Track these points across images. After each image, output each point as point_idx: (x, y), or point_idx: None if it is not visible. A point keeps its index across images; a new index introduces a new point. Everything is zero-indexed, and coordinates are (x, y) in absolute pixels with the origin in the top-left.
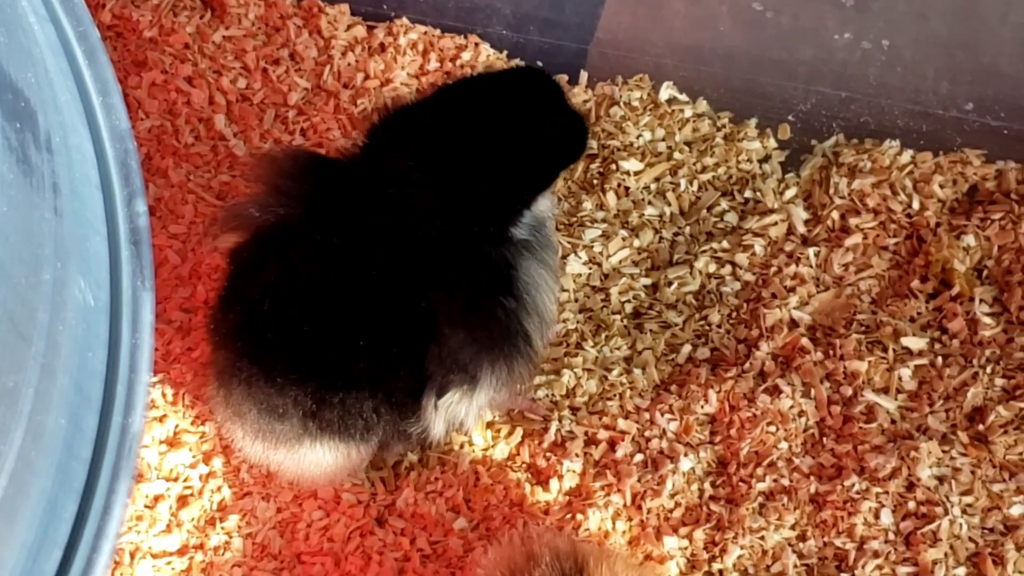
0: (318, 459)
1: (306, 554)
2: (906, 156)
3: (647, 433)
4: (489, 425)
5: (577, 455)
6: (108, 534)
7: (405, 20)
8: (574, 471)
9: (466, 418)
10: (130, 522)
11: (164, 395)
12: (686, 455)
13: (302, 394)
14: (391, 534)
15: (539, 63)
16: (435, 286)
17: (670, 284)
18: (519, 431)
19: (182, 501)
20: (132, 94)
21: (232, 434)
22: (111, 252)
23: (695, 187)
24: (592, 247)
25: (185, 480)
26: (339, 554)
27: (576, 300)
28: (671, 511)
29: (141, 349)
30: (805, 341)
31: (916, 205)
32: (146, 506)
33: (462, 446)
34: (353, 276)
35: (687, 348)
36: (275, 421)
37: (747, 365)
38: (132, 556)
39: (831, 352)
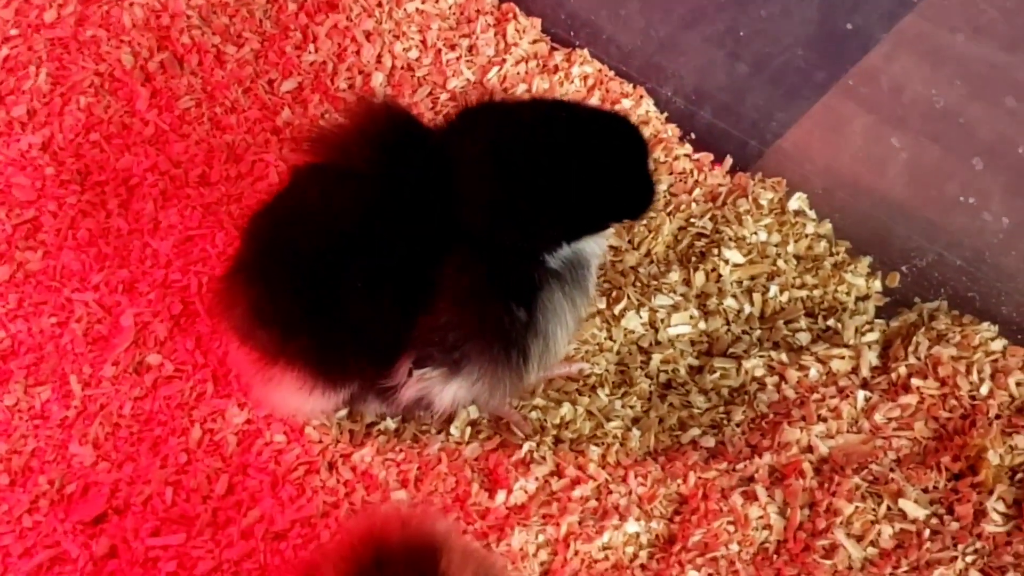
0: (287, 383)
1: (252, 467)
2: (998, 344)
3: (612, 486)
4: (473, 423)
5: (536, 479)
6: None
7: (586, 52)
8: (525, 490)
9: (438, 399)
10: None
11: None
12: (638, 519)
13: (289, 307)
14: (334, 479)
15: (692, 134)
16: (451, 261)
17: (713, 372)
18: (497, 439)
19: (168, 380)
20: (313, 28)
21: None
22: None
23: (784, 298)
24: (657, 312)
25: (181, 363)
26: (280, 478)
27: (617, 352)
28: (596, 561)
29: None
30: (807, 466)
31: (984, 391)
32: (135, 371)
33: (441, 431)
34: (381, 223)
35: (695, 431)
36: (257, 327)
37: (741, 466)
38: (102, 406)
39: (825, 485)
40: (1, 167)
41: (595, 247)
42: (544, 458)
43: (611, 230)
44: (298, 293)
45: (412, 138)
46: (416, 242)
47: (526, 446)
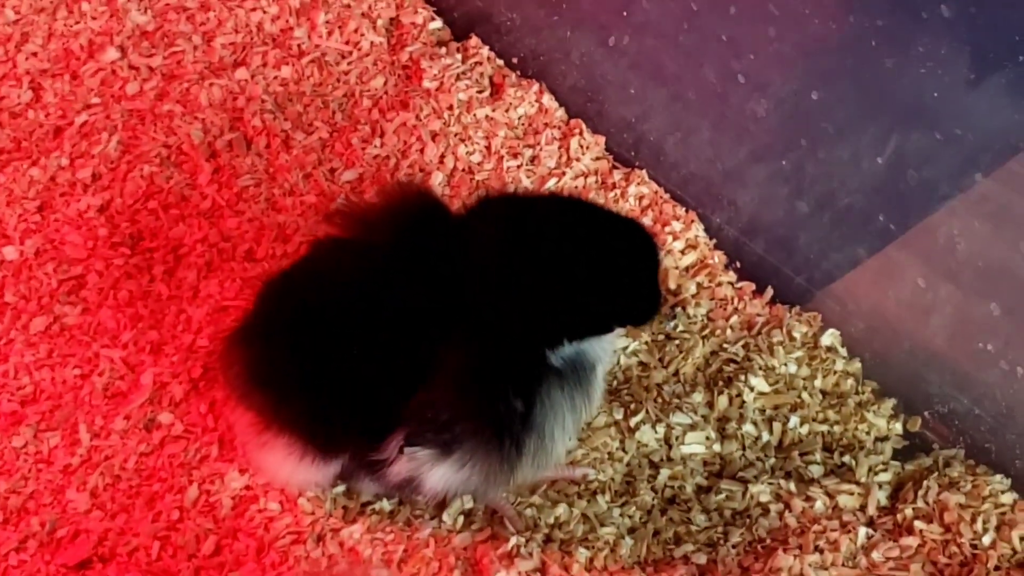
0: (279, 449)
1: (242, 531)
2: (1008, 497)
3: None
4: (467, 513)
5: (519, 573)
6: None
7: (644, 173)
8: None
9: (428, 481)
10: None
11: None
12: None
13: (284, 370)
14: (319, 551)
15: (737, 263)
16: (454, 341)
17: (719, 493)
18: (488, 531)
19: (175, 439)
20: (383, 124)
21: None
22: None
23: (804, 430)
24: (673, 429)
25: (192, 424)
26: (266, 545)
27: (627, 464)
28: None
29: None
30: None
31: (987, 541)
32: (145, 427)
33: (434, 517)
34: (388, 296)
35: (689, 547)
36: (253, 388)
37: None
38: (107, 457)
39: None
40: (58, 224)
41: (600, 351)
42: (531, 554)
43: (616, 334)
44: (295, 357)
45: (434, 220)
46: (421, 319)
47: (513, 540)
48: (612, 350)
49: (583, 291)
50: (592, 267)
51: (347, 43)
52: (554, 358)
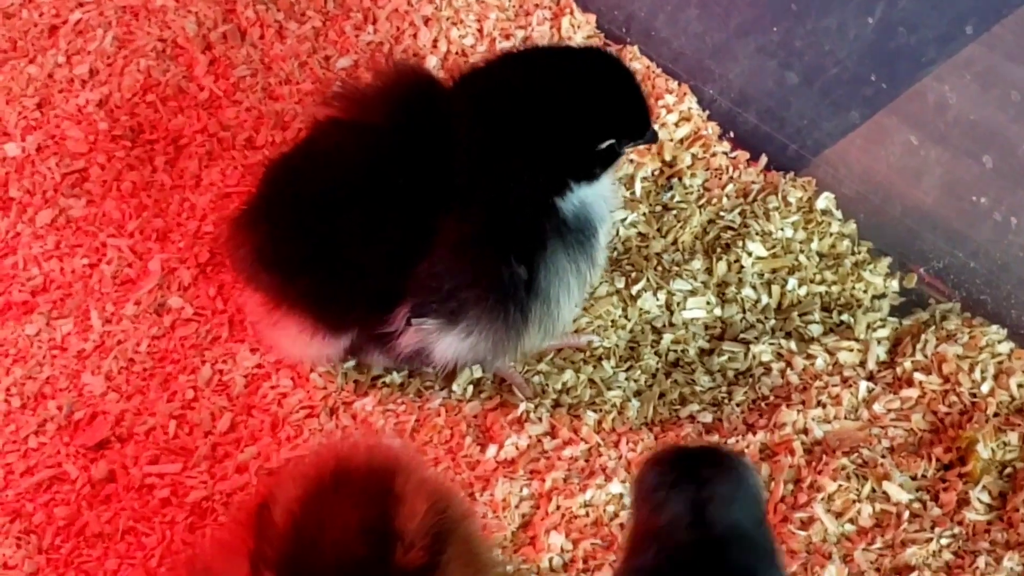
0: (290, 327)
1: (256, 407)
2: (1004, 347)
3: (603, 450)
4: (476, 383)
5: (529, 437)
6: None
7: (635, 49)
8: (516, 446)
9: (437, 351)
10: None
11: None
12: (623, 481)
13: (290, 251)
14: (332, 424)
15: (731, 133)
16: (453, 211)
17: (721, 355)
18: (497, 399)
19: (185, 322)
20: (374, 11)
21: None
22: None
23: (802, 292)
24: (674, 295)
25: (201, 307)
26: (280, 420)
27: (630, 330)
28: (576, 516)
29: None
30: (797, 445)
31: (985, 389)
32: (155, 311)
33: (444, 388)
34: (387, 173)
35: (694, 407)
36: (260, 270)
37: (733, 441)
38: (119, 342)
39: (813, 464)
40: (58, 120)
41: (603, 208)
42: (540, 419)
43: (615, 184)
44: (300, 237)
45: (430, 97)
46: (420, 193)
47: (523, 406)
48: (612, 210)
49: (575, 118)
50: (578, 93)
51: None
52: (563, 206)
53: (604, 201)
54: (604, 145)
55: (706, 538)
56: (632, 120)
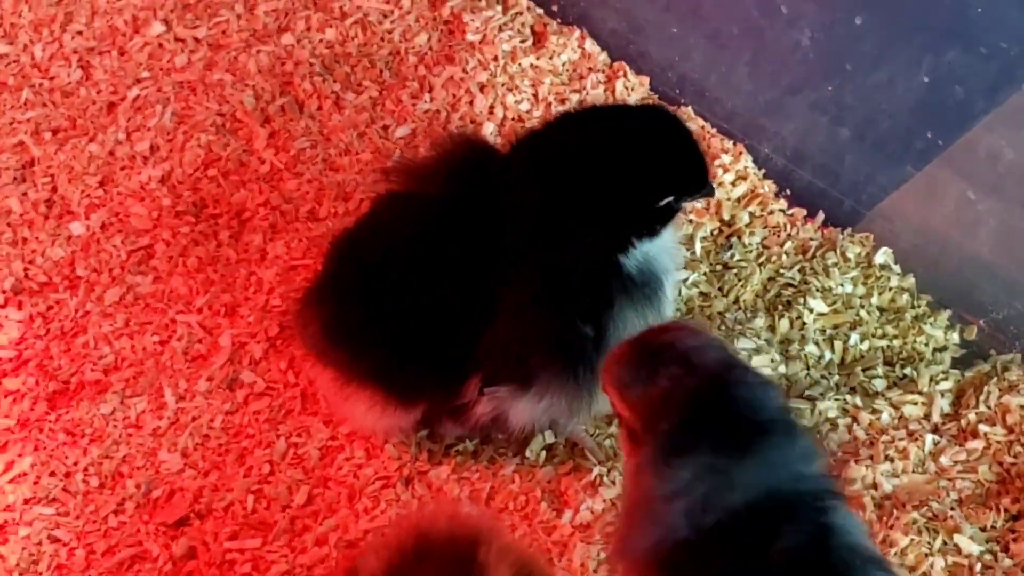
0: (361, 401)
1: (332, 480)
2: None
3: None
4: (549, 448)
5: (604, 500)
6: None
7: (690, 109)
8: (592, 511)
9: (512, 417)
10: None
11: None
12: None
13: (358, 327)
14: (408, 494)
15: (788, 191)
16: (514, 277)
17: None
18: (570, 464)
19: (258, 396)
20: (430, 79)
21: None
22: None
23: (864, 347)
24: (739, 354)
25: (273, 381)
26: (357, 491)
27: None
28: None
29: None
30: (867, 500)
31: None
32: (228, 387)
33: (517, 454)
34: (446, 243)
35: None
36: (329, 346)
37: None
38: (194, 418)
39: (884, 519)
40: (121, 198)
41: (667, 261)
42: (614, 482)
43: (678, 241)
44: (366, 313)
45: (485, 164)
46: (479, 261)
47: (596, 470)
48: (676, 263)
49: (634, 176)
50: (635, 150)
51: (388, 2)
52: (627, 263)
53: (668, 254)
54: (663, 202)
55: None
56: (690, 176)
